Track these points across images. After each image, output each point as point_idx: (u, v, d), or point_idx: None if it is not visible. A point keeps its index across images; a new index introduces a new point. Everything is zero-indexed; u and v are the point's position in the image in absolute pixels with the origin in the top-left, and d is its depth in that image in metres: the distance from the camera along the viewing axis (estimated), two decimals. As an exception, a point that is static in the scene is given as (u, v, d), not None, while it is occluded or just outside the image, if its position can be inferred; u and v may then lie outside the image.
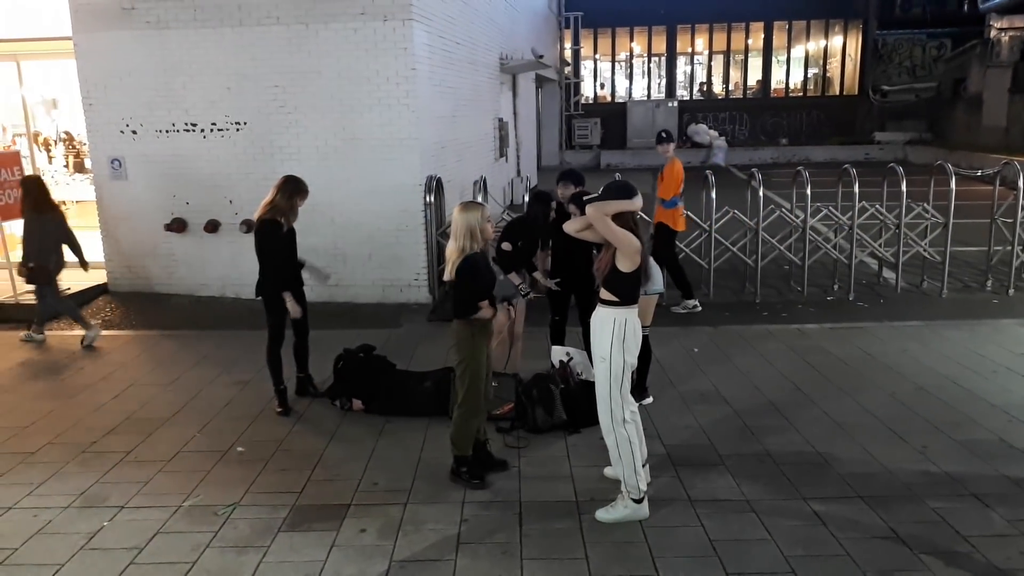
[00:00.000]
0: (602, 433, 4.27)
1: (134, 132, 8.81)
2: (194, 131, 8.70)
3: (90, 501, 4.51)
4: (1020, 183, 8.57)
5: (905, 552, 3.79)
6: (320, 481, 4.70)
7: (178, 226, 8.89)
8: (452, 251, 4.38)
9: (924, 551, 3.79)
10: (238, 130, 8.64)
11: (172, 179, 8.80)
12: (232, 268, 8.86)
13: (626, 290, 4.14)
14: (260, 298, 5.76)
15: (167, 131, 8.75)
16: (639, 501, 4.17)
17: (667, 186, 8.01)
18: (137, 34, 8.53)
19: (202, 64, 8.53)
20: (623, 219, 4.07)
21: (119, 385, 6.40)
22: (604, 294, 4.18)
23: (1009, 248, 8.81)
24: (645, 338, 5.54)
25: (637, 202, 4.10)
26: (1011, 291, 8.65)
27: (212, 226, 8.84)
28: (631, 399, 4.27)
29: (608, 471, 4.59)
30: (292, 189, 5.63)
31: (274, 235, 5.57)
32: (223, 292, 9.02)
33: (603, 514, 4.20)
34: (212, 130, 8.67)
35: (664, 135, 8.05)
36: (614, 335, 4.10)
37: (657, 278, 5.40)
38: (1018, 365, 6.34)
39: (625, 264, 4.07)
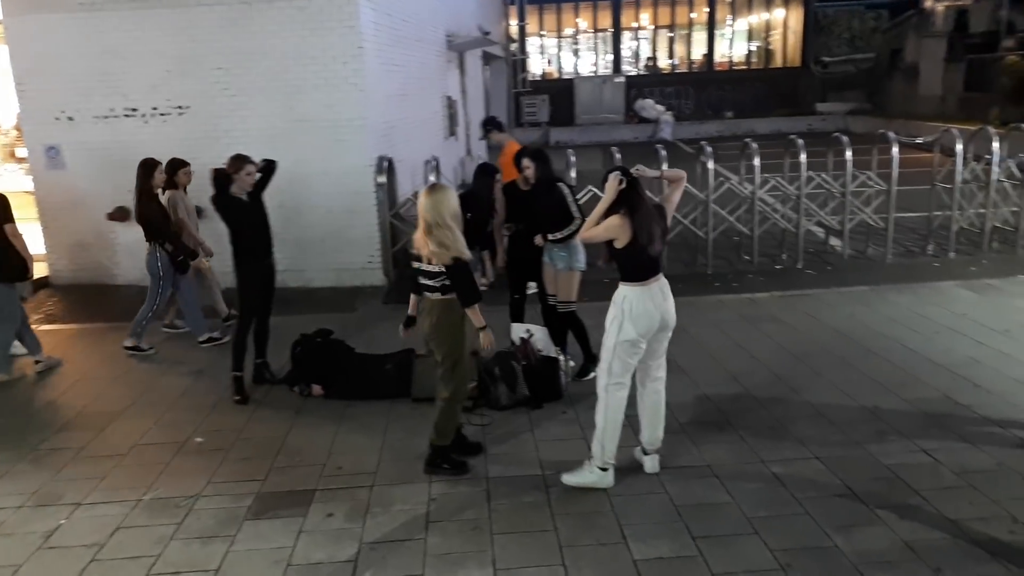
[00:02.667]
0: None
1: (70, 118, 8.51)
2: (134, 116, 8.45)
3: (44, 500, 4.39)
4: (958, 150, 8.84)
5: (862, 508, 3.92)
6: (283, 468, 4.65)
7: (121, 215, 8.62)
8: (444, 238, 4.13)
9: (879, 506, 3.93)
10: (181, 114, 8.41)
11: (113, 166, 8.51)
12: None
13: (624, 265, 4.17)
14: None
15: (106, 117, 8.48)
16: (604, 470, 4.23)
17: (507, 170, 7.95)
18: (70, 17, 8.21)
19: (140, 47, 8.26)
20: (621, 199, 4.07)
21: (67, 380, 6.23)
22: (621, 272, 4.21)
23: (948, 213, 9.10)
24: (573, 313, 5.66)
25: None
26: (951, 254, 8.95)
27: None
28: (616, 374, 4.21)
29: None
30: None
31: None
32: (172, 281, 8.81)
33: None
34: (153, 115, 8.43)
35: (488, 126, 7.79)
36: (615, 309, 4.15)
37: (581, 256, 5.61)
38: (959, 325, 6.58)
39: (618, 240, 4.10)
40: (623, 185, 4.07)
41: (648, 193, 4.27)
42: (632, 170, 4.19)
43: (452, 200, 4.21)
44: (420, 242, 4.27)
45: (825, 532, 3.73)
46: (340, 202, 8.45)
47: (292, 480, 4.49)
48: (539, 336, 5.73)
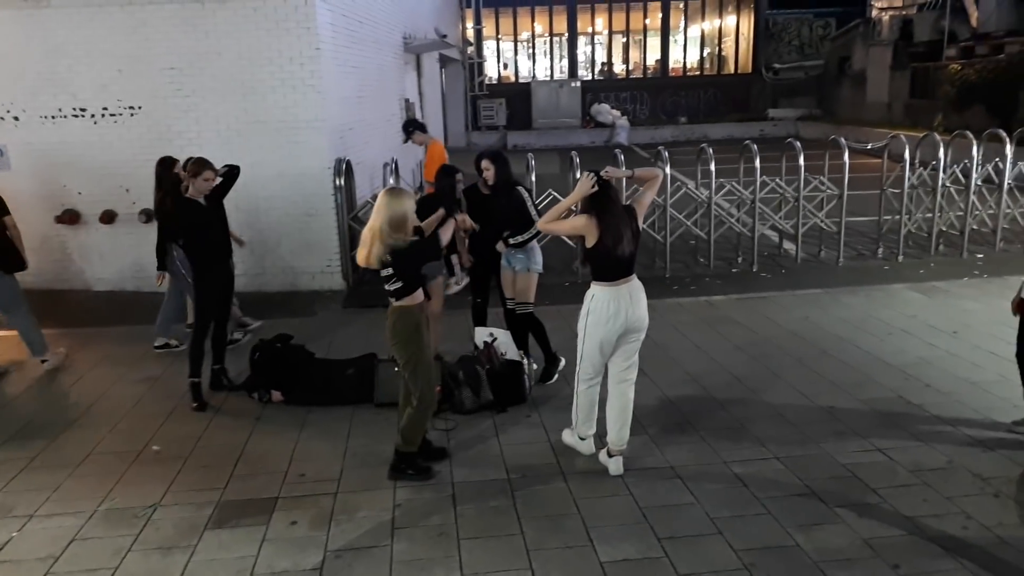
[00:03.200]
0: None
1: (16, 118, 8.25)
2: (83, 116, 8.22)
3: (-6, 512, 4.25)
4: (906, 156, 9.10)
5: (822, 507, 4.01)
6: (244, 476, 4.57)
7: (70, 218, 8.40)
8: (374, 236, 4.08)
9: (838, 504, 4.01)
10: (132, 115, 8.21)
11: (61, 168, 8.29)
12: (132, 260, 8.45)
13: (593, 264, 4.31)
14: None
15: (53, 117, 8.24)
16: (583, 439, 4.59)
17: (431, 168, 8.05)
18: (14, 13, 7.96)
19: (89, 45, 8.04)
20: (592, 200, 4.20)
21: (15, 389, 6.04)
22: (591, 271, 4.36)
23: (897, 217, 9.36)
24: (531, 314, 5.75)
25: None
26: (900, 258, 9.20)
27: (108, 217, 8.40)
28: (586, 373, 4.47)
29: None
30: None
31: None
32: (122, 285, 8.61)
33: (564, 434, 4.73)
34: (104, 115, 8.21)
35: (410, 128, 7.93)
36: (583, 308, 4.34)
37: (538, 258, 5.70)
38: (910, 326, 6.76)
39: (587, 239, 4.23)
40: (595, 188, 4.15)
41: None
42: (601, 172, 4.26)
43: (407, 204, 4.13)
44: (364, 252, 4.15)
45: (787, 531, 3.80)
46: (297, 205, 8.35)
47: (254, 488, 4.41)
48: (503, 340, 5.72)
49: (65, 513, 4.20)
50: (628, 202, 4.50)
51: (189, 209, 5.44)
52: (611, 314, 4.23)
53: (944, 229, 9.78)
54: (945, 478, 4.25)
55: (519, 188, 5.62)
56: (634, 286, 4.30)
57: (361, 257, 4.18)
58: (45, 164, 8.33)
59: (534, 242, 5.66)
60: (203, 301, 5.65)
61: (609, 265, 4.22)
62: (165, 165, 6.46)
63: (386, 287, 4.23)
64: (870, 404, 5.23)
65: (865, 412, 5.12)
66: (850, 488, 4.19)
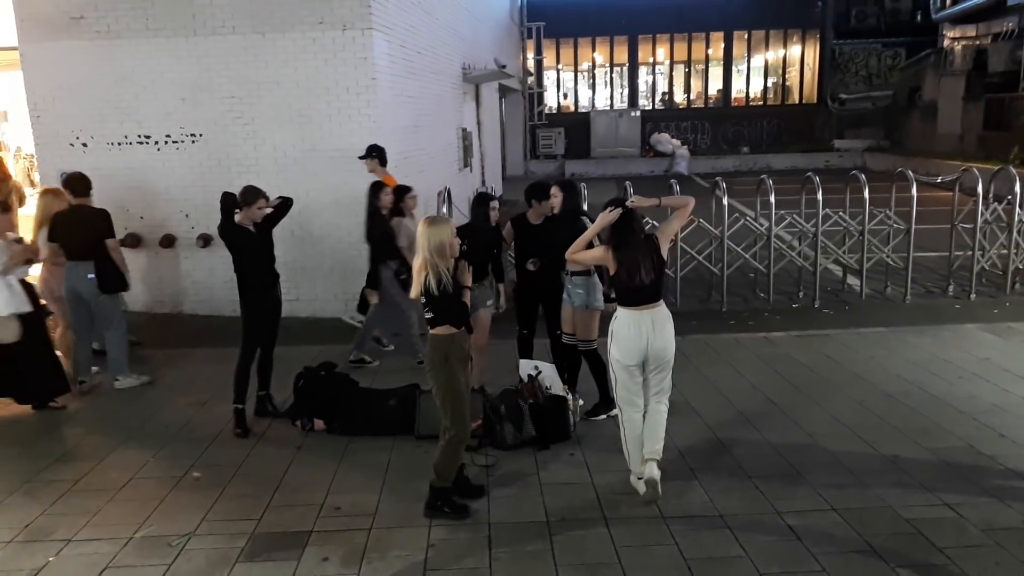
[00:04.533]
0: None
1: (84, 145, 8.53)
2: (147, 143, 8.45)
3: (35, 535, 4.27)
4: (979, 189, 8.68)
5: (882, 566, 3.73)
6: (280, 507, 4.51)
7: (132, 241, 8.61)
8: (419, 267, 4.15)
9: (900, 564, 3.73)
10: (193, 142, 8.41)
11: (125, 193, 8.50)
12: (189, 284, 8.61)
13: (615, 290, 4.46)
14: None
15: (119, 144, 8.49)
16: (640, 479, 4.41)
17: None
18: (87, 44, 8.26)
19: (155, 75, 8.29)
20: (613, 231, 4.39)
21: (70, 409, 6.13)
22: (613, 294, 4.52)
23: (969, 253, 8.91)
24: (595, 351, 5.63)
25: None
26: (972, 296, 8.74)
27: (168, 241, 8.58)
28: (623, 400, 4.50)
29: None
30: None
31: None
32: (179, 309, 8.76)
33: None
34: (167, 142, 8.43)
35: (373, 154, 7.58)
36: (609, 331, 4.46)
37: (599, 294, 5.50)
38: (982, 370, 6.37)
39: (608, 268, 4.42)
40: (616, 218, 4.35)
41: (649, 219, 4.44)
42: (628, 201, 4.42)
43: (441, 232, 4.12)
44: (417, 287, 4.19)
45: (843, 591, 3.55)
46: (350, 232, 8.36)
47: (288, 520, 4.35)
48: (547, 373, 5.58)
49: (102, 539, 4.20)
50: (651, 229, 4.48)
51: (237, 235, 5.48)
52: (632, 335, 4.34)
53: (1021, 267, 9.27)
54: (1020, 539, 3.91)
55: (583, 218, 5.51)
56: (659, 314, 4.39)
57: (415, 292, 4.19)
58: (110, 189, 8.51)
59: (595, 277, 5.40)
60: (249, 327, 5.66)
61: (628, 291, 4.37)
62: (375, 190, 6.64)
63: (424, 313, 4.25)
64: (937, 454, 4.90)
65: (932, 462, 4.79)
66: (914, 546, 3.89)
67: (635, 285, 4.31)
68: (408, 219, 6.93)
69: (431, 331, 4.24)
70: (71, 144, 8.55)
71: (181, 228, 8.54)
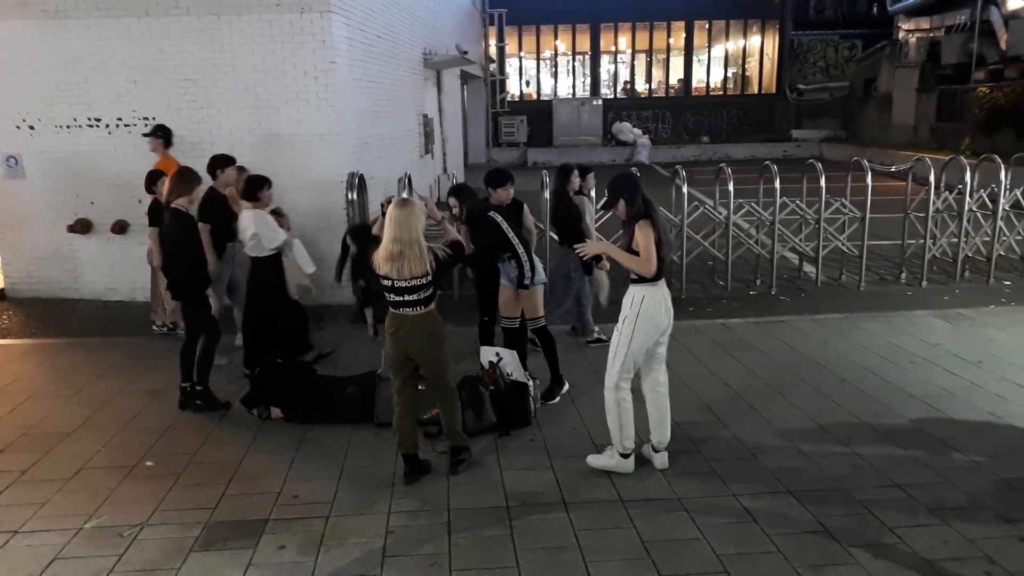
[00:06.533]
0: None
1: (31, 127, 8.28)
2: (98, 127, 8.23)
3: (-21, 527, 4.15)
4: (931, 179, 8.86)
5: (835, 546, 3.79)
6: (236, 495, 4.44)
7: (82, 227, 8.39)
8: (414, 248, 4.21)
9: (853, 544, 3.80)
10: (147, 126, 8.19)
11: (75, 177, 8.29)
12: (143, 271, 8.40)
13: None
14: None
15: (68, 127, 8.25)
16: (625, 457, 4.50)
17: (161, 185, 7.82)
18: (33, 23, 8.00)
19: (106, 57, 8.06)
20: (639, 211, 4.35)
21: (15, 398, 5.96)
22: (634, 274, 4.41)
23: (921, 242, 9.11)
24: (544, 328, 5.72)
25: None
26: (924, 283, 8.94)
27: (120, 227, 8.38)
28: (622, 377, 4.45)
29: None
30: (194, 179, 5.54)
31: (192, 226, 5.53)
32: (132, 296, 8.57)
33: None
34: (118, 126, 8.22)
35: (159, 133, 7.50)
36: (630, 308, 4.38)
37: (540, 269, 5.69)
38: (934, 355, 6.52)
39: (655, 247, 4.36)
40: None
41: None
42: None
43: (419, 215, 4.28)
44: (388, 260, 4.23)
45: (797, 572, 3.60)
46: (309, 218, 8.26)
47: (244, 509, 4.28)
48: (508, 360, 5.57)
49: (50, 530, 4.09)
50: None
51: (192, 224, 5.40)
52: (662, 312, 4.40)
53: (970, 255, 9.51)
54: (968, 518, 4.01)
55: (491, 214, 5.49)
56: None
57: (405, 271, 4.22)
58: (59, 173, 8.34)
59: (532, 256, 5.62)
60: (209, 320, 5.63)
61: (663, 265, 4.35)
62: (564, 173, 6.71)
63: (407, 297, 4.29)
64: (890, 437, 5.00)
65: (884, 445, 4.89)
66: (866, 526, 3.97)
67: (665, 256, 4.38)
68: (590, 197, 7.06)
69: (426, 309, 4.35)
70: (17, 127, 8.29)
71: (134, 213, 8.31)
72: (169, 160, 7.41)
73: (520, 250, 5.42)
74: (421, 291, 4.29)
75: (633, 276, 4.40)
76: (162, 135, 7.46)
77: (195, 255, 5.56)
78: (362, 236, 6.65)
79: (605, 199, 4.47)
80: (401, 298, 4.31)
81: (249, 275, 6.22)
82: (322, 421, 5.36)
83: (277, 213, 6.61)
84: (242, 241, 6.17)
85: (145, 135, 7.57)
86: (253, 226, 5.98)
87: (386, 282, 4.31)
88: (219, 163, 6.45)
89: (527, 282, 5.49)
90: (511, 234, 5.43)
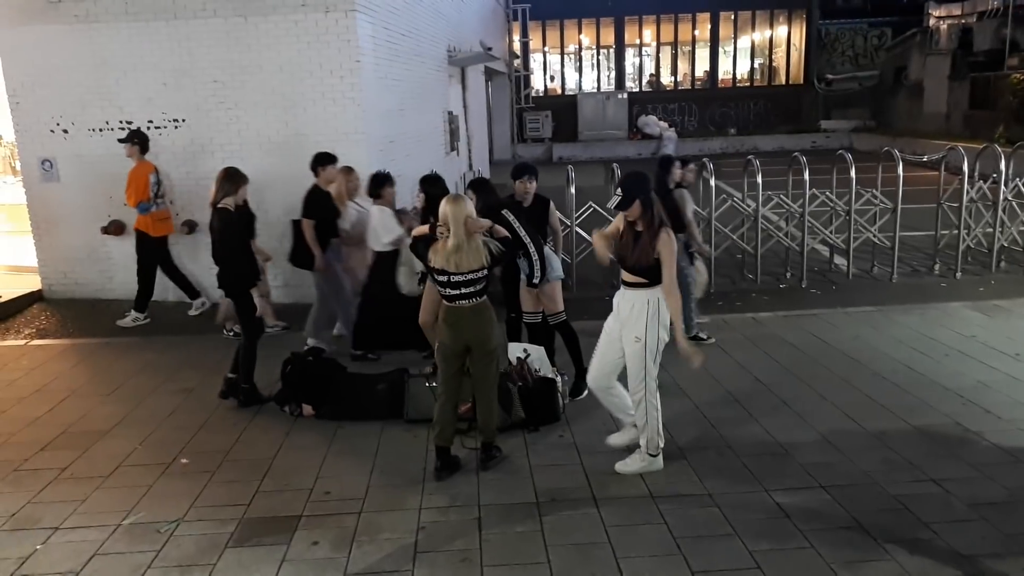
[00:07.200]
0: (631, 399, 4.57)
1: (65, 131, 8.42)
2: (130, 129, 8.32)
3: (22, 523, 4.24)
4: (964, 168, 8.70)
5: (870, 542, 3.75)
6: (269, 492, 4.49)
7: (116, 228, 8.51)
8: (472, 240, 4.36)
9: (888, 540, 3.76)
10: (176, 127, 8.32)
11: (108, 179, 8.40)
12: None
13: (656, 273, 4.35)
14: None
15: (100, 130, 8.39)
16: (655, 456, 4.51)
17: (128, 192, 7.86)
18: (65, 28, 8.14)
19: (136, 60, 8.18)
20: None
21: (55, 397, 6.08)
22: (630, 278, 4.39)
23: (955, 232, 8.95)
24: (566, 322, 5.73)
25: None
26: (958, 275, 8.79)
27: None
28: (651, 378, 4.46)
29: (613, 439, 4.72)
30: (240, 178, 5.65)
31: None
32: (165, 296, 8.68)
33: (622, 466, 4.53)
34: (149, 128, 8.31)
35: (135, 140, 7.69)
36: (649, 314, 4.33)
37: (556, 264, 5.70)
38: (968, 348, 6.41)
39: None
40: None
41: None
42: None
43: (470, 206, 4.43)
44: (446, 254, 4.33)
45: (831, 567, 3.56)
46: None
47: (278, 505, 4.34)
48: (536, 356, 5.58)
49: (90, 526, 4.17)
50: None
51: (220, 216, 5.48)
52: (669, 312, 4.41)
53: (1006, 245, 9.33)
54: (1006, 514, 3.95)
55: (504, 212, 5.47)
56: None
57: (464, 265, 4.33)
58: (92, 176, 8.48)
59: (548, 251, 5.61)
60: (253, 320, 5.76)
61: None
62: (664, 166, 6.76)
63: (464, 290, 4.39)
64: (924, 431, 4.93)
65: (919, 440, 4.82)
66: (901, 522, 3.92)
67: None
68: (687, 192, 7.01)
69: (481, 300, 4.46)
70: (51, 131, 8.44)
71: (165, 214, 8.44)
72: (146, 165, 7.58)
73: (532, 248, 5.37)
74: (476, 284, 4.40)
75: (638, 280, 4.37)
76: (138, 141, 7.69)
77: (241, 254, 5.63)
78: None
79: (619, 199, 4.29)
80: (458, 291, 4.39)
81: (370, 267, 6.53)
82: (353, 418, 5.40)
83: (402, 212, 6.71)
84: (346, 234, 6.63)
85: (121, 141, 7.75)
86: (373, 220, 6.31)
87: (442, 277, 4.38)
88: (320, 160, 6.67)
89: (535, 281, 5.47)
90: (522, 232, 5.41)
